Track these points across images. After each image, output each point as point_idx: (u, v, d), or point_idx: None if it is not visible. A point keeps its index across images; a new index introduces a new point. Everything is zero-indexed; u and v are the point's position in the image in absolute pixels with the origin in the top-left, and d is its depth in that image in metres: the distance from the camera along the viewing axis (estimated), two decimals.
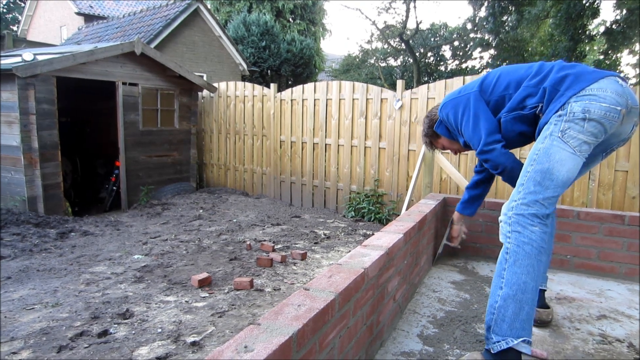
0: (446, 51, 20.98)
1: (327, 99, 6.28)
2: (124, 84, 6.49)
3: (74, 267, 3.68)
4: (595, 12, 14.18)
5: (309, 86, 6.52)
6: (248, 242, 4.22)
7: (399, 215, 5.62)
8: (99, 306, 2.81)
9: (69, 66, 5.70)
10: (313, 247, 4.27)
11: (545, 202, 1.73)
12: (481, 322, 2.15)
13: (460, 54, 20.53)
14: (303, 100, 6.55)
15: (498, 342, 1.65)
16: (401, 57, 20.88)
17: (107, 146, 7.85)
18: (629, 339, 2.04)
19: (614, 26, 14.41)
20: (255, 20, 16.55)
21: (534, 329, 2.07)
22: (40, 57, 5.61)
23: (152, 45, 10.85)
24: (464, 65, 20.67)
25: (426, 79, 20.35)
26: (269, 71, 16.77)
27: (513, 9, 13.25)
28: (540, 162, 1.76)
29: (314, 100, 6.42)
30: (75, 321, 2.59)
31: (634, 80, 19.70)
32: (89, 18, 17.89)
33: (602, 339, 2.05)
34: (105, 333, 2.44)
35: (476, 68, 20.31)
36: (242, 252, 4.01)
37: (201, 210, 5.96)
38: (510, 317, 1.65)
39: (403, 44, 18.40)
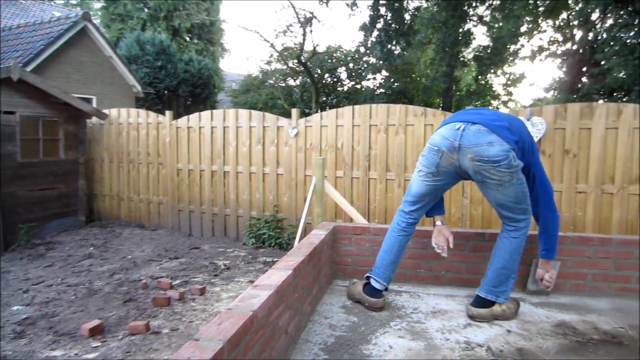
0: (342, 72, 21.99)
1: (224, 127, 6.32)
2: None
3: None
4: (468, 42, 16.05)
5: (206, 114, 6.52)
6: (144, 281, 4.09)
7: None
8: None
9: None
10: (212, 280, 4.27)
11: (405, 203, 2.69)
12: (367, 343, 2.36)
13: (355, 75, 21.68)
14: (200, 127, 6.52)
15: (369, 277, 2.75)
16: (300, 78, 21.47)
17: None
18: (488, 343, 2.39)
19: (482, 53, 16.43)
20: (150, 39, 15.98)
21: (412, 344, 2.35)
22: None
23: (32, 66, 9.97)
24: (359, 86, 21.84)
25: (324, 98, 21.16)
26: (165, 92, 16.24)
27: (400, 38, 14.54)
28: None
29: (211, 127, 6.42)
30: None
31: (505, 99, 22.38)
32: None
33: (467, 345, 2.36)
34: None
35: (371, 88, 21.59)
36: (138, 292, 3.88)
37: (91, 248, 5.60)
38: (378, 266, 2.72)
39: (301, 66, 18.99)
